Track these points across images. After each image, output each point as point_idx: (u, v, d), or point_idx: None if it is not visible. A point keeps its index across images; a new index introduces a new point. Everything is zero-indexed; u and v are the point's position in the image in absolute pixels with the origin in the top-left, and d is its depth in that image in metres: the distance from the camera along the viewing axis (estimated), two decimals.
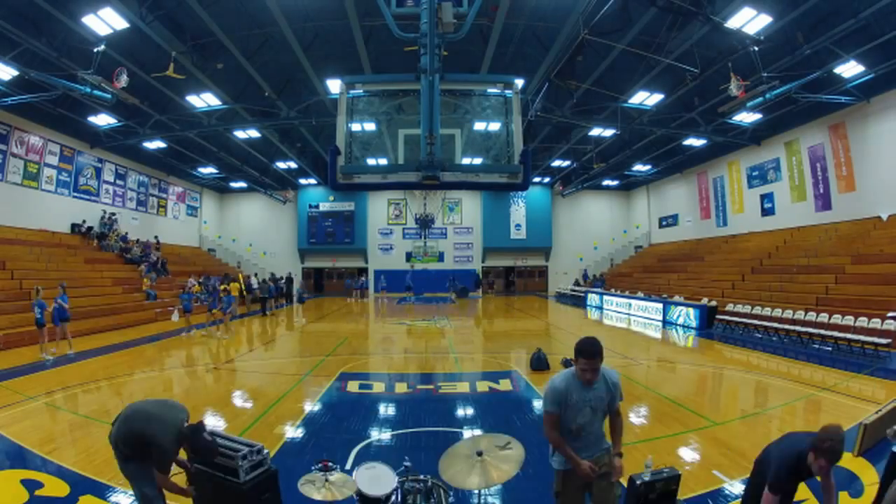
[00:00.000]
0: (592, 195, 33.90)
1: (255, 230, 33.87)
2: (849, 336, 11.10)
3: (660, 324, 17.32)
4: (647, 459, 3.62)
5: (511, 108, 6.24)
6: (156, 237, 25.53)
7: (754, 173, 22.00)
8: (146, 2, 11.59)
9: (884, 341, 10.67)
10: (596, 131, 20.23)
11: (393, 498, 3.13)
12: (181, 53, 13.27)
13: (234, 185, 31.76)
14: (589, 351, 3.04)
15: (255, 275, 28.76)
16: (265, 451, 3.62)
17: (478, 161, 6.55)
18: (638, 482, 3.36)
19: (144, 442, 3.07)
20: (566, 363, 8.41)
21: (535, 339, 13.36)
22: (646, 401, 7.39)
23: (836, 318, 12.07)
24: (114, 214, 22.65)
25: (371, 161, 6.30)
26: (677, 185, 28.68)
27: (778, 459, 2.95)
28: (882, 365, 9.60)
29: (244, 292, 23.39)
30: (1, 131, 16.82)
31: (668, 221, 30.04)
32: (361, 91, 6.31)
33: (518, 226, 33.19)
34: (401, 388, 8.16)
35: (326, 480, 3.19)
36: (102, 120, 18.37)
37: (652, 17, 12.02)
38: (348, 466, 4.88)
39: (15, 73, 13.26)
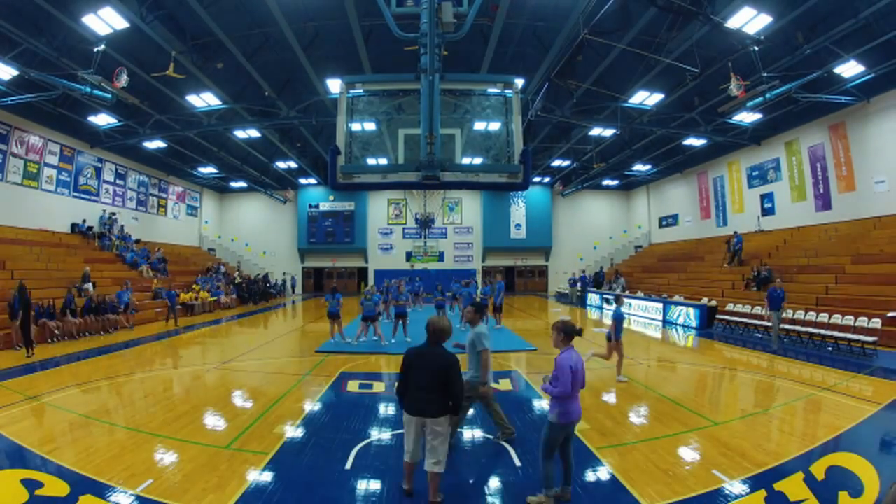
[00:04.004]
0: (592, 195, 33.91)
1: (255, 230, 33.89)
2: (849, 336, 11.09)
3: (660, 323, 17.32)
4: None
5: (511, 108, 6.24)
6: (136, 239, 25.29)
7: (754, 173, 22.00)
8: (146, 1, 11.60)
9: (870, 339, 10.70)
10: (596, 131, 20.23)
11: None
12: (181, 53, 13.27)
13: (234, 184, 31.77)
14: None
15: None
16: None
17: (478, 161, 6.55)
18: None
19: None
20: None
21: (535, 338, 13.35)
22: (646, 400, 7.39)
23: (837, 318, 12.07)
24: (114, 214, 22.65)
25: (371, 161, 6.30)
26: (677, 184, 28.69)
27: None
28: (882, 364, 9.60)
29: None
30: (1, 131, 16.82)
31: (668, 221, 30.04)
32: (361, 91, 6.32)
33: (518, 225, 33.19)
34: None
35: None
36: (102, 120, 18.38)
37: (652, 16, 12.01)
38: (348, 466, 4.88)
39: (15, 72, 13.26)
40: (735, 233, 20.88)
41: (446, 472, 4.69)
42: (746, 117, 18.38)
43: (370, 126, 6.34)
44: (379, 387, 8.30)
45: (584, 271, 30.90)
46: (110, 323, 14.83)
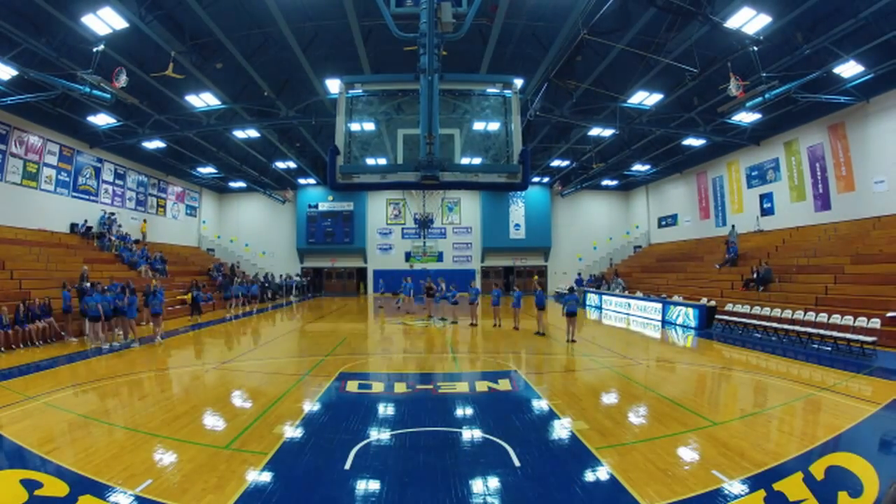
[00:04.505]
0: (592, 195, 33.92)
1: (254, 230, 33.87)
2: (848, 336, 11.10)
3: (659, 324, 17.33)
4: None
5: (510, 108, 6.25)
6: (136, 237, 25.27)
7: (753, 173, 22.02)
8: (145, 2, 11.59)
9: (870, 339, 10.74)
10: (595, 131, 20.24)
11: None
12: (180, 53, 13.27)
13: (233, 184, 31.75)
14: None
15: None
16: None
17: (477, 161, 6.56)
18: None
19: None
20: None
21: (534, 338, 13.35)
22: (645, 401, 7.40)
23: (836, 318, 12.07)
24: (113, 214, 22.64)
25: (370, 161, 6.31)
26: (676, 185, 28.70)
27: None
28: (881, 364, 9.62)
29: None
30: (0, 131, 16.81)
31: (668, 221, 30.05)
32: (360, 91, 6.33)
33: (517, 226, 33.20)
34: (400, 387, 8.16)
35: None
36: (102, 120, 18.37)
37: (651, 16, 12.02)
38: (347, 466, 4.88)
39: (14, 72, 13.25)
40: (728, 242, 20.76)
41: (445, 472, 4.70)
42: (746, 117, 18.39)
43: (369, 126, 6.35)
44: (378, 387, 8.30)
45: (579, 273, 30.91)
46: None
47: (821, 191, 18.45)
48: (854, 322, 11.57)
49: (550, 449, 5.51)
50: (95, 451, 5.17)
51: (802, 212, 19.36)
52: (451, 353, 11.96)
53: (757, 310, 14.66)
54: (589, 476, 4.68)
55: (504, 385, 8.31)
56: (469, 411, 7.00)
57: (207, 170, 27.09)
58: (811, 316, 12.82)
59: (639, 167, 27.15)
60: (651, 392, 7.83)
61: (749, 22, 11.63)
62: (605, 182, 32.00)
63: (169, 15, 12.54)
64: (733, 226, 22.04)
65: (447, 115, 6.24)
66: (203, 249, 31.47)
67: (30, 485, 4.28)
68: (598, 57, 14.33)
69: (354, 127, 6.22)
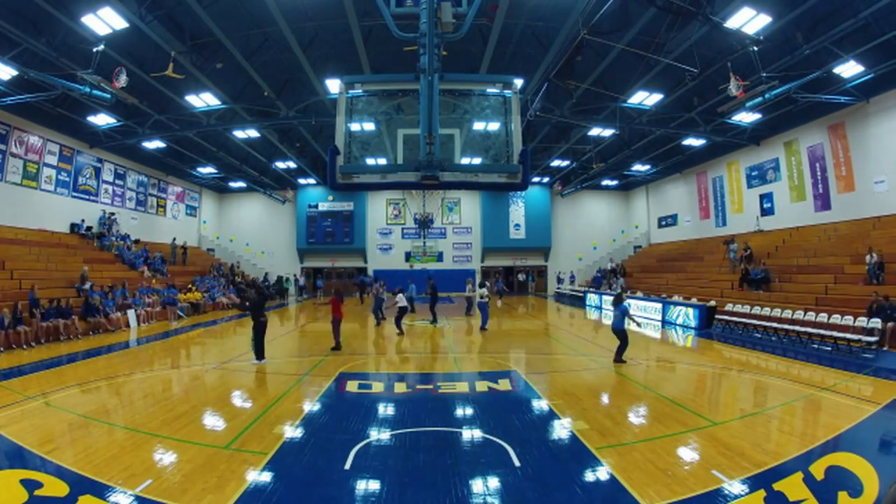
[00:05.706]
0: (592, 195, 33.93)
1: (254, 230, 33.87)
2: (848, 336, 11.10)
3: (659, 323, 17.32)
4: None
5: (510, 108, 6.26)
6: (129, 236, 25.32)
7: (753, 173, 22.02)
8: (145, 2, 11.60)
9: (871, 339, 10.73)
10: (595, 131, 20.25)
11: None
12: (180, 53, 13.27)
13: (233, 184, 31.76)
14: None
15: None
16: None
17: (477, 161, 6.56)
18: None
19: None
20: None
21: (534, 338, 13.35)
22: (645, 401, 7.39)
23: (836, 318, 12.07)
24: (113, 214, 22.64)
25: (370, 161, 6.31)
26: (676, 185, 28.70)
27: None
28: (882, 364, 9.61)
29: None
30: (0, 131, 16.80)
31: (668, 221, 30.06)
32: (361, 91, 6.33)
33: (517, 226, 33.20)
34: (400, 388, 8.16)
35: None
36: (102, 120, 18.37)
37: (651, 17, 12.03)
38: (347, 466, 4.88)
39: (14, 72, 13.25)
40: (729, 243, 20.78)
41: (445, 472, 4.69)
42: (746, 117, 18.39)
43: (369, 126, 6.35)
44: (378, 387, 8.30)
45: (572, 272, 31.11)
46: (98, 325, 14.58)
47: (821, 191, 18.46)
48: (854, 322, 11.57)
49: (550, 449, 5.50)
50: (95, 451, 5.16)
51: (802, 212, 19.36)
52: (452, 353, 11.96)
53: (757, 310, 14.66)
54: (589, 476, 4.68)
55: (504, 385, 8.30)
56: (469, 411, 7.00)
57: (207, 170, 27.10)
58: (811, 316, 12.83)
59: (639, 167, 27.16)
60: (651, 392, 7.82)
61: (749, 22, 11.64)
62: (605, 182, 32.01)
63: (169, 15, 12.54)
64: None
65: (447, 115, 6.25)
66: (203, 249, 31.47)
67: (30, 485, 4.27)
68: (598, 57, 14.33)
69: (354, 127, 6.23)
